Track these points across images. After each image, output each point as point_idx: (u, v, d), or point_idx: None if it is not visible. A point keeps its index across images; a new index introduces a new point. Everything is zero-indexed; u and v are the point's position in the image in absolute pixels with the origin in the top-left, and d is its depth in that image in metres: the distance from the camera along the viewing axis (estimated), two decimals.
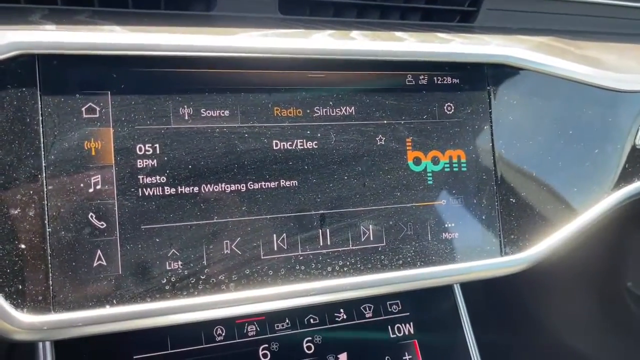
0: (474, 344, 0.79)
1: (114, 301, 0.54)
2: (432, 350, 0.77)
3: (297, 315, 0.73)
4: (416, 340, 0.77)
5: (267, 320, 0.72)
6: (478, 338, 0.79)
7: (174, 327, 0.67)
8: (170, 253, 0.56)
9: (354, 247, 0.63)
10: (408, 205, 0.66)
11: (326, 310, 0.74)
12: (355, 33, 0.68)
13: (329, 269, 0.62)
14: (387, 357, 0.75)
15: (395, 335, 0.76)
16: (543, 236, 0.72)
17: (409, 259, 0.66)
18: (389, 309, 0.78)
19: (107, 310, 0.53)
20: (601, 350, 1.05)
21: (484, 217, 0.70)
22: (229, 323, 0.70)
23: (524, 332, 0.87)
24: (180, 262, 0.56)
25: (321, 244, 0.62)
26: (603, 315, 1.10)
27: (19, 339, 0.51)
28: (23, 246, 0.51)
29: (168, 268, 0.56)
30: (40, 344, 0.63)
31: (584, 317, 0.87)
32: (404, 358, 0.75)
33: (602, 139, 0.77)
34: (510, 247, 0.71)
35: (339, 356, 0.73)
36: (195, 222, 0.57)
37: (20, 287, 0.51)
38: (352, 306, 0.76)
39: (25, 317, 0.51)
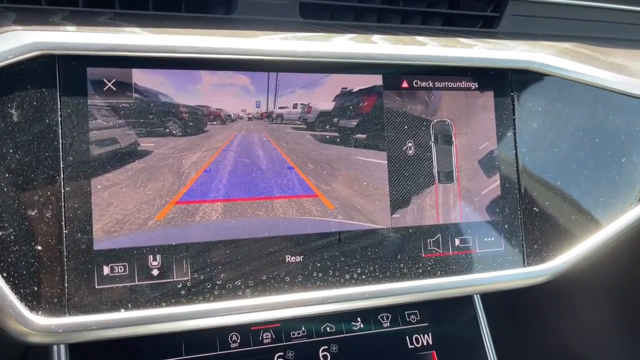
0: (494, 356, 0.77)
1: (129, 305, 0.53)
2: None
3: (313, 323, 0.72)
4: (435, 352, 0.75)
5: (283, 327, 0.71)
6: (498, 350, 0.77)
7: (188, 332, 0.66)
8: (186, 257, 0.55)
9: (372, 255, 0.62)
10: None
11: (343, 319, 0.73)
12: (376, 37, 0.67)
13: (347, 276, 0.61)
14: None
15: (413, 346, 0.75)
16: (567, 247, 0.70)
17: (429, 268, 0.64)
18: (407, 319, 0.76)
19: (122, 315, 0.53)
20: None
21: (506, 227, 0.68)
22: (245, 330, 0.69)
23: (545, 344, 0.84)
24: (196, 267, 0.55)
25: (339, 251, 0.61)
26: (628, 331, 1.07)
27: (33, 341, 0.51)
28: (39, 248, 0.51)
29: (184, 272, 0.55)
30: (55, 346, 0.62)
31: (606, 332, 0.84)
32: None
33: (628, 148, 0.74)
34: (533, 257, 0.69)
35: None
36: (212, 226, 0.56)
37: (35, 289, 0.50)
38: (369, 315, 0.74)
39: (40, 320, 0.50)
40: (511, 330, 0.81)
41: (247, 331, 0.69)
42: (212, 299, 0.56)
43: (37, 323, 0.50)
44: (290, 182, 0.59)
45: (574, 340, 0.83)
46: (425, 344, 0.75)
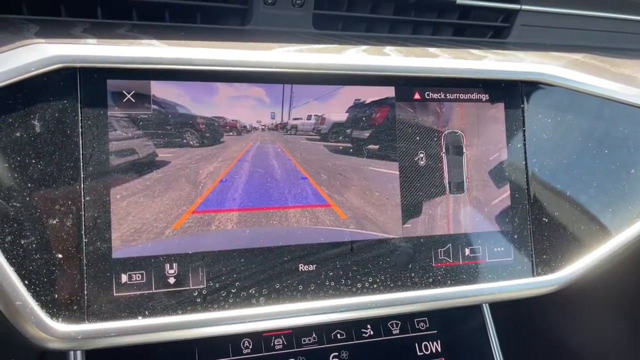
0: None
1: (146, 312, 0.54)
2: None
3: (324, 330, 0.73)
4: (443, 359, 0.76)
5: (294, 334, 0.72)
6: (506, 358, 0.78)
7: (202, 338, 0.68)
8: (202, 266, 0.56)
9: (384, 265, 0.63)
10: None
11: (353, 326, 0.74)
12: (388, 49, 0.68)
13: (359, 285, 0.62)
14: None
15: (422, 353, 0.76)
16: (576, 257, 0.71)
17: (439, 278, 0.65)
18: (417, 326, 0.77)
19: (139, 322, 0.54)
20: None
21: (516, 237, 0.69)
22: (256, 336, 0.70)
23: (553, 354, 0.85)
24: (211, 275, 0.57)
25: (351, 260, 0.61)
26: (636, 341, 1.07)
27: (53, 347, 0.52)
28: (60, 256, 0.52)
29: (199, 280, 0.56)
30: (72, 354, 0.63)
31: (616, 343, 0.85)
32: None
33: (637, 159, 0.75)
34: (542, 267, 0.70)
35: None
36: (227, 235, 0.57)
37: (55, 296, 0.52)
38: (379, 322, 0.75)
39: (60, 326, 0.51)
40: (519, 339, 0.82)
41: (259, 337, 0.70)
42: (226, 306, 0.57)
43: (57, 330, 0.51)
44: (303, 192, 0.60)
45: (583, 350, 0.84)
46: (434, 351, 0.76)
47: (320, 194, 0.61)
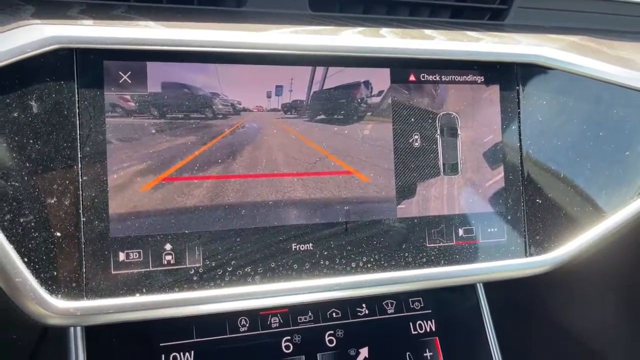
0: (496, 343, 0.79)
1: (144, 290, 0.56)
2: (454, 348, 0.77)
3: (319, 309, 0.74)
4: (437, 338, 0.77)
5: (290, 312, 0.73)
6: (500, 337, 0.79)
7: (199, 316, 0.69)
8: (198, 245, 0.57)
9: (378, 245, 0.64)
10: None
11: (348, 305, 0.75)
12: (384, 30, 0.68)
13: (353, 264, 0.63)
14: (408, 353, 0.75)
15: (416, 332, 0.77)
16: (569, 238, 0.72)
17: (432, 258, 0.66)
18: (411, 306, 0.78)
19: (137, 299, 0.55)
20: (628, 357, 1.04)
21: (509, 218, 0.69)
22: (253, 315, 0.71)
23: (547, 333, 0.86)
24: (207, 254, 0.58)
25: (346, 240, 0.62)
26: (631, 322, 1.08)
27: (53, 323, 0.53)
28: (58, 234, 0.53)
29: (196, 259, 0.57)
30: (72, 330, 0.65)
31: (610, 323, 0.86)
32: (424, 355, 0.76)
33: (632, 142, 0.75)
34: (535, 248, 0.70)
35: (360, 350, 0.73)
36: (223, 215, 0.58)
37: (55, 273, 0.53)
38: (374, 302, 0.76)
39: (60, 303, 0.53)
40: (513, 319, 0.83)
41: (256, 316, 0.71)
42: (223, 285, 0.58)
43: (57, 306, 0.52)
44: (301, 160, 0.61)
45: (576, 329, 0.85)
46: (428, 330, 0.77)
47: (320, 162, 0.62)
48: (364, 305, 0.76)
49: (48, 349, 0.68)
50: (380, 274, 0.64)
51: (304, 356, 0.71)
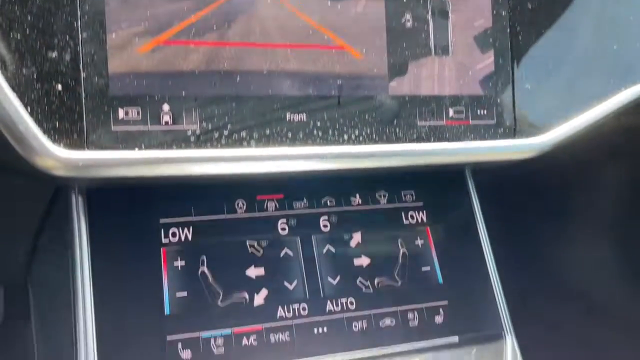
0: (485, 235, 0.81)
1: (142, 146, 0.58)
2: (444, 237, 0.79)
3: (314, 196, 0.76)
4: (428, 228, 0.80)
5: (286, 199, 0.75)
6: (490, 231, 0.81)
7: (197, 197, 0.71)
8: (195, 107, 0.59)
9: (369, 119, 0.66)
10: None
11: (342, 195, 0.77)
12: None
13: (345, 137, 0.65)
14: (399, 240, 0.78)
15: (408, 222, 0.79)
16: (556, 124, 0.74)
17: (423, 135, 0.68)
18: (403, 198, 0.80)
19: (137, 154, 0.57)
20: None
21: (498, 101, 0.71)
22: (250, 198, 0.73)
23: (535, 222, 0.89)
24: (204, 117, 0.60)
25: (339, 112, 0.64)
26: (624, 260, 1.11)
27: (57, 174, 0.56)
28: (59, 87, 0.55)
29: (193, 121, 0.59)
30: (74, 204, 0.67)
31: (597, 211, 0.89)
32: (416, 242, 0.78)
33: (623, 33, 0.77)
34: (523, 131, 0.72)
35: (353, 234, 0.76)
36: (219, 80, 0.60)
37: (57, 124, 0.55)
38: (366, 193, 0.79)
39: (62, 152, 0.55)
40: (502, 211, 0.86)
41: (253, 200, 0.74)
42: (219, 146, 0.60)
43: (59, 155, 0.55)
44: (294, 31, 0.63)
45: (567, 217, 0.87)
46: (419, 220, 0.80)
47: (312, 33, 0.63)
48: (357, 195, 0.78)
49: (52, 224, 0.71)
50: (372, 147, 0.66)
51: (299, 237, 0.74)
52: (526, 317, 0.81)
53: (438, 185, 0.82)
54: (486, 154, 0.71)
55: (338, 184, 0.78)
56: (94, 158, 0.56)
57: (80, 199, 0.66)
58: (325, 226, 0.76)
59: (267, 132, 0.62)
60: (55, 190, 0.70)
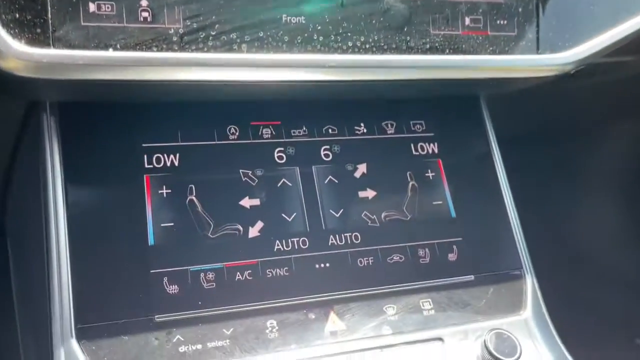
0: (502, 168, 0.74)
1: (118, 46, 0.50)
2: (458, 171, 0.72)
3: (314, 123, 0.69)
4: (440, 160, 0.73)
5: (283, 125, 0.68)
6: (506, 162, 0.74)
7: (185, 120, 0.64)
8: (178, 3, 0.52)
9: (377, 25, 0.58)
10: None
11: (345, 123, 0.70)
12: None
13: (350, 43, 0.57)
14: (408, 172, 0.71)
15: (418, 153, 0.72)
16: (582, 39, 0.66)
17: (437, 45, 0.61)
18: (412, 128, 0.73)
19: (111, 54, 0.50)
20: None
21: (520, 10, 0.64)
22: (243, 124, 0.66)
23: (553, 165, 0.83)
24: (188, 14, 0.52)
25: (342, 15, 0.57)
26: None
27: (17, 74, 0.48)
28: None
29: (176, 18, 0.52)
30: (45, 122, 0.59)
31: (613, 136, 0.83)
32: (426, 174, 0.71)
33: None
34: (546, 46, 0.65)
35: (358, 166, 0.69)
36: None
37: (17, 15, 0.47)
38: (373, 121, 0.71)
39: (24, 48, 0.47)
40: (520, 146, 0.79)
41: (246, 125, 0.66)
42: (206, 49, 0.53)
43: (20, 51, 0.47)
44: None
45: (583, 141, 0.80)
46: (430, 152, 0.72)
47: None
48: (362, 123, 0.71)
49: (24, 152, 0.64)
50: (379, 56, 0.58)
51: (298, 167, 0.67)
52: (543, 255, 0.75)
53: (450, 114, 0.75)
54: (506, 69, 0.64)
55: (341, 110, 0.70)
56: (61, 55, 0.48)
57: (52, 117, 0.59)
58: (326, 156, 0.68)
59: (261, 34, 0.54)
60: (26, 112, 0.62)
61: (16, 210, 0.73)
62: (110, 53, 0.50)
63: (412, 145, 0.72)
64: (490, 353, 0.61)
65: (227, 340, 0.57)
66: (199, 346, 0.56)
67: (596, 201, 1.08)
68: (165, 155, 0.62)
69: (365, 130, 0.71)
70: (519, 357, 0.61)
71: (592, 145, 0.99)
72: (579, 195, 1.08)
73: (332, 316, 0.61)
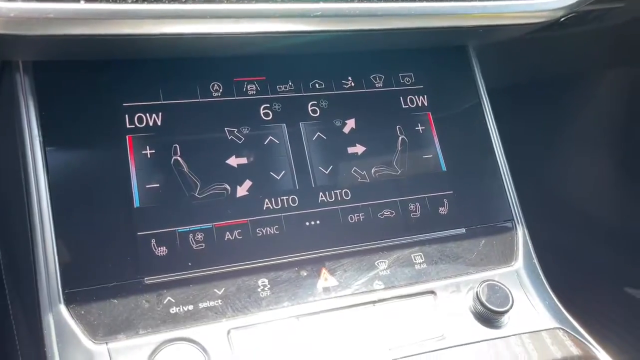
0: (493, 122, 0.73)
1: None
2: (447, 123, 0.71)
3: (301, 78, 0.67)
4: (430, 113, 0.71)
5: (268, 81, 0.66)
6: (497, 117, 0.73)
7: (165, 79, 0.62)
8: None
9: None
10: None
11: (333, 77, 0.68)
12: None
13: None
14: (398, 126, 0.69)
15: (407, 106, 0.71)
16: None
17: None
18: (401, 81, 0.71)
19: (82, 5, 0.47)
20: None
21: None
22: (227, 81, 0.64)
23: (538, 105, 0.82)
24: None
25: None
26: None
27: None
28: None
29: None
30: (19, 83, 0.57)
31: (609, 86, 0.82)
32: (416, 128, 0.70)
33: None
34: None
35: (346, 121, 0.67)
36: None
37: None
38: (360, 75, 0.69)
39: None
40: (509, 96, 0.78)
41: (230, 82, 0.64)
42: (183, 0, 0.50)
43: None
44: None
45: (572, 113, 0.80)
46: (420, 105, 0.71)
47: None
48: (350, 77, 0.69)
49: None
50: (366, 4, 0.56)
51: (284, 124, 0.65)
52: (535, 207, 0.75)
53: (439, 65, 0.73)
54: (495, 15, 0.62)
55: (328, 64, 0.68)
56: (29, 8, 0.46)
57: (26, 78, 0.56)
58: (314, 112, 0.67)
59: None
60: None
61: None
62: (82, 5, 0.47)
63: (401, 98, 0.71)
64: (482, 304, 0.61)
65: (219, 300, 0.57)
66: (191, 307, 0.56)
67: (585, 152, 1.08)
68: (148, 115, 0.60)
69: (353, 84, 0.69)
70: (510, 308, 0.61)
71: (583, 95, 0.98)
72: (569, 147, 1.08)
73: (324, 273, 0.61)
